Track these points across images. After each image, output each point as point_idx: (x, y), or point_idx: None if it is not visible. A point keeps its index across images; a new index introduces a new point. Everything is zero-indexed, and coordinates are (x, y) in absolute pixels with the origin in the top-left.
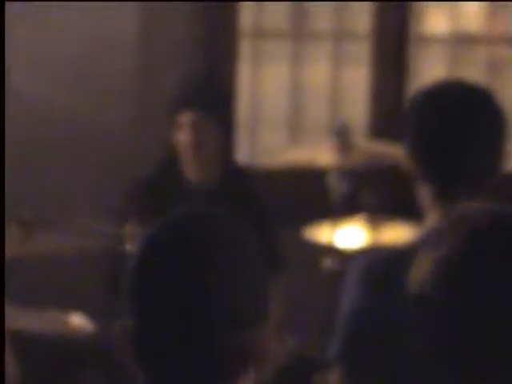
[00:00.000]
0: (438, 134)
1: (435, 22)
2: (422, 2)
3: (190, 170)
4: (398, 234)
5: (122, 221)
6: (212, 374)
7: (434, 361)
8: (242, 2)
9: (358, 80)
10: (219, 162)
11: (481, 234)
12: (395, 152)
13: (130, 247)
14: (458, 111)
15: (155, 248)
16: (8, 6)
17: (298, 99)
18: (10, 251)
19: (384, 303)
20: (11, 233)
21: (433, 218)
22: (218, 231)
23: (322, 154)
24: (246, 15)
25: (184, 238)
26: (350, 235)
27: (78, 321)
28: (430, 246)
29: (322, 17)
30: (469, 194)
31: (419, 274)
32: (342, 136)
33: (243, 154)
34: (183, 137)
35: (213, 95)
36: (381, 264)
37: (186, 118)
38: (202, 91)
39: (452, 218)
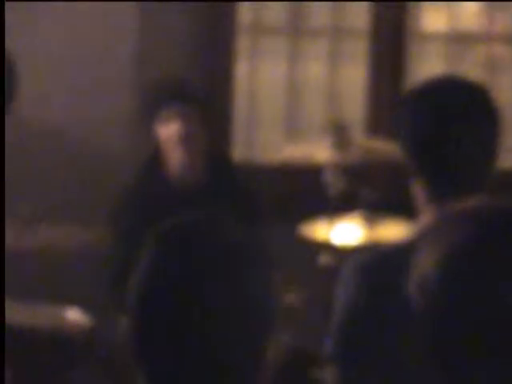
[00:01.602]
0: (431, 132)
1: (433, 20)
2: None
3: (178, 166)
4: (394, 230)
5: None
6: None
7: (434, 357)
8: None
9: (356, 77)
10: (206, 157)
11: (486, 228)
12: (392, 149)
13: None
14: (451, 108)
15: (167, 250)
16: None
17: (296, 96)
18: (6, 246)
19: (379, 302)
20: (9, 227)
21: (427, 215)
22: (229, 236)
23: (319, 151)
24: (245, 12)
25: (196, 243)
26: (346, 232)
27: (74, 315)
28: (434, 240)
29: (319, 14)
30: (463, 192)
31: (423, 268)
32: (339, 133)
33: (240, 151)
34: (172, 130)
35: (195, 89)
36: (376, 262)
37: (175, 110)
38: (185, 85)
39: (455, 212)
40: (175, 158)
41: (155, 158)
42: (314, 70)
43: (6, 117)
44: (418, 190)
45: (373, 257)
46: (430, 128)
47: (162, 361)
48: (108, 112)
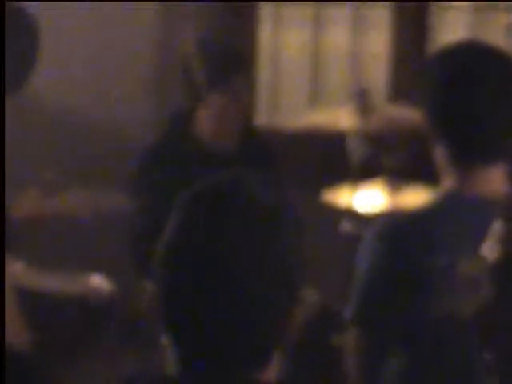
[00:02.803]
0: (453, 95)
1: None
2: None
3: (214, 133)
4: (417, 197)
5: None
6: (243, 346)
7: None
8: None
9: (379, 44)
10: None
11: None
12: (415, 115)
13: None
14: (474, 71)
15: (194, 212)
16: None
17: (319, 62)
18: (31, 210)
19: (399, 265)
20: (33, 193)
21: (449, 181)
22: (255, 197)
23: (343, 117)
24: None
25: (223, 205)
26: (369, 199)
27: (96, 281)
28: None
29: None
30: (485, 157)
31: None
32: (362, 99)
33: (263, 116)
34: (225, 101)
35: (247, 60)
36: (397, 227)
37: (235, 82)
38: (243, 56)
39: None
40: (214, 125)
41: (184, 117)
42: (338, 36)
43: (24, 86)
44: (440, 156)
45: (394, 222)
46: (452, 91)
47: (188, 324)
48: (128, 85)
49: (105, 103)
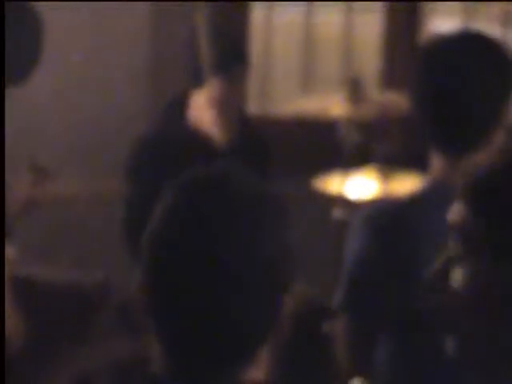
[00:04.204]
0: (440, 84)
1: None
2: None
3: (210, 123)
4: (408, 184)
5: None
6: (232, 338)
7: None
8: None
9: (371, 31)
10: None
11: None
12: (407, 102)
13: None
14: (463, 61)
15: (182, 201)
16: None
17: (311, 49)
18: (25, 195)
19: (385, 252)
20: (26, 177)
21: (436, 169)
22: (244, 187)
23: (334, 104)
24: None
25: (211, 194)
26: (360, 186)
27: (89, 268)
28: None
29: None
30: (471, 147)
31: None
32: (354, 86)
33: (254, 103)
34: (223, 90)
35: (247, 50)
36: (385, 213)
37: (239, 70)
38: (243, 45)
39: None
40: (212, 115)
41: (180, 104)
42: (330, 22)
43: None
44: (428, 143)
45: (382, 208)
46: (438, 80)
47: (172, 315)
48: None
49: (99, 88)
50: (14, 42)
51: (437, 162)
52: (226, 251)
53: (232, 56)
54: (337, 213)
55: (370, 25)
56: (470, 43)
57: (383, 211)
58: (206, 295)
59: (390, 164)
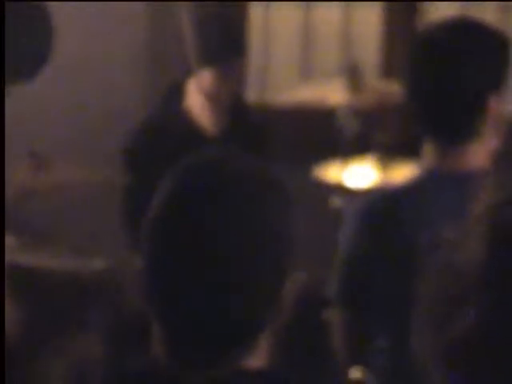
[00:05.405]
0: (429, 73)
1: None
2: None
3: (206, 113)
4: (407, 173)
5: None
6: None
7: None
8: None
9: (370, 20)
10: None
11: None
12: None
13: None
14: (459, 50)
15: (182, 187)
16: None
17: (310, 38)
18: (23, 182)
19: (380, 242)
20: (26, 164)
21: (429, 157)
22: (243, 171)
23: (333, 93)
24: None
25: (211, 179)
26: (359, 174)
27: (89, 259)
28: None
29: None
30: (463, 135)
31: None
32: (353, 75)
33: (254, 92)
34: (220, 81)
35: (245, 42)
36: (378, 204)
37: (233, 62)
38: (242, 37)
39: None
40: (201, 104)
41: (176, 94)
42: (329, 12)
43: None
44: (421, 131)
45: (376, 199)
46: (429, 68)
47: (172, 301)
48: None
49: (96, 77)
50: (26, 41)
51: (429, 150)
52: (226, 236)
53: (226, 47)
54: (335, 201)
55: (369, 14)
56: (464, 31)
57: (376, 201)
58: (207, 282)
59: (388, 152)
